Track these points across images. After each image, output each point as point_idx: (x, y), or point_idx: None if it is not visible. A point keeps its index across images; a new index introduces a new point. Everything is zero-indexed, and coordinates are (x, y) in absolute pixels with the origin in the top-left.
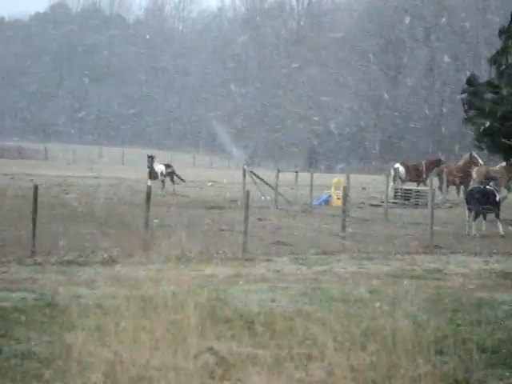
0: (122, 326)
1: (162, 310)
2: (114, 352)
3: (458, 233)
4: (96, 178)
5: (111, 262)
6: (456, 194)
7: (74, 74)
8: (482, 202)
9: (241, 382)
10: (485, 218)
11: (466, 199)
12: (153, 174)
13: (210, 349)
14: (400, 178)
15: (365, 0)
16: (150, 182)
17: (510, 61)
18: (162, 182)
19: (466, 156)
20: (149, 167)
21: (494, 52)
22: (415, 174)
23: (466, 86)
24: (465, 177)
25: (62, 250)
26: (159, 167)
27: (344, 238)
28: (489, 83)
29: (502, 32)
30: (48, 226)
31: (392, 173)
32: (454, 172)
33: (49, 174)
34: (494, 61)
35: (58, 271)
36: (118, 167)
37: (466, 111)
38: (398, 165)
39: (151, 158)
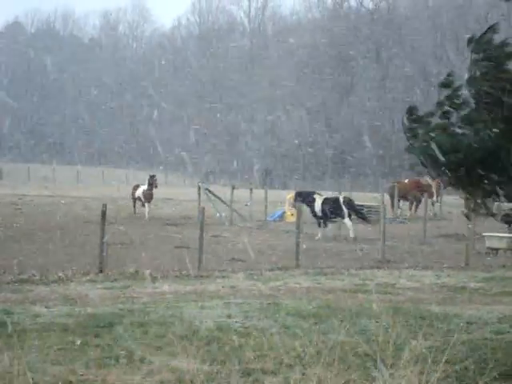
0: (77, 343)
1: (118, 327)
2: (69, 370)
3: (410, 248)
4: (51, 196)
5: (66, 280)
6: (409, 210)
7: (28, 93)
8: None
9: None
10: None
11: (348, 210)
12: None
13: (167, 366)
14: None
15: (316, 19)
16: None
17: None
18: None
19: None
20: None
21: (442, 69)
22: (401, 193)
23: (407, 116)
24: (419, 192)
25: (16, 269)
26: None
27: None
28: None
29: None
30: (3, 245)
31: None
32: (406, 188)
33: (3, 193)
34: (443, 85)
35: (13, 290)
36: (73, 186)
37: (408, 139)
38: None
39: (152, 178)
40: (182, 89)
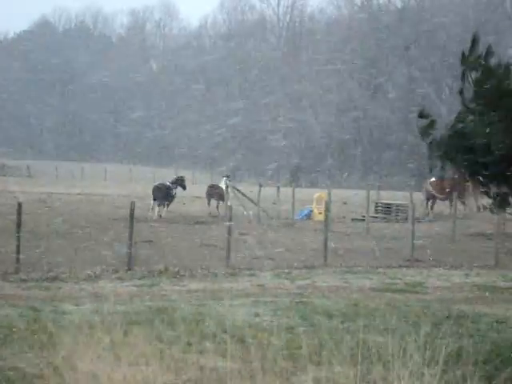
0: (106, 341)
1: (146, 325)
2: (97, 368)
3: (439, 246)
4: (79, 194)
5: (95, 277)
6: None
7: (56, 90)
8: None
9: None
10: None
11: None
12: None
13: (196, 363)
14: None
15: (344, 17)
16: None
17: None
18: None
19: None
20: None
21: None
22: (439, 190)
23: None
24: (456, 190)
25: (45, 267)
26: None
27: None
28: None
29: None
30: (32, 243)
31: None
32: (441, 186)
33: (32, 191)
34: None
35: (42, 287)
36: (101, 183)
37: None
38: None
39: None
40: (209, 87)
